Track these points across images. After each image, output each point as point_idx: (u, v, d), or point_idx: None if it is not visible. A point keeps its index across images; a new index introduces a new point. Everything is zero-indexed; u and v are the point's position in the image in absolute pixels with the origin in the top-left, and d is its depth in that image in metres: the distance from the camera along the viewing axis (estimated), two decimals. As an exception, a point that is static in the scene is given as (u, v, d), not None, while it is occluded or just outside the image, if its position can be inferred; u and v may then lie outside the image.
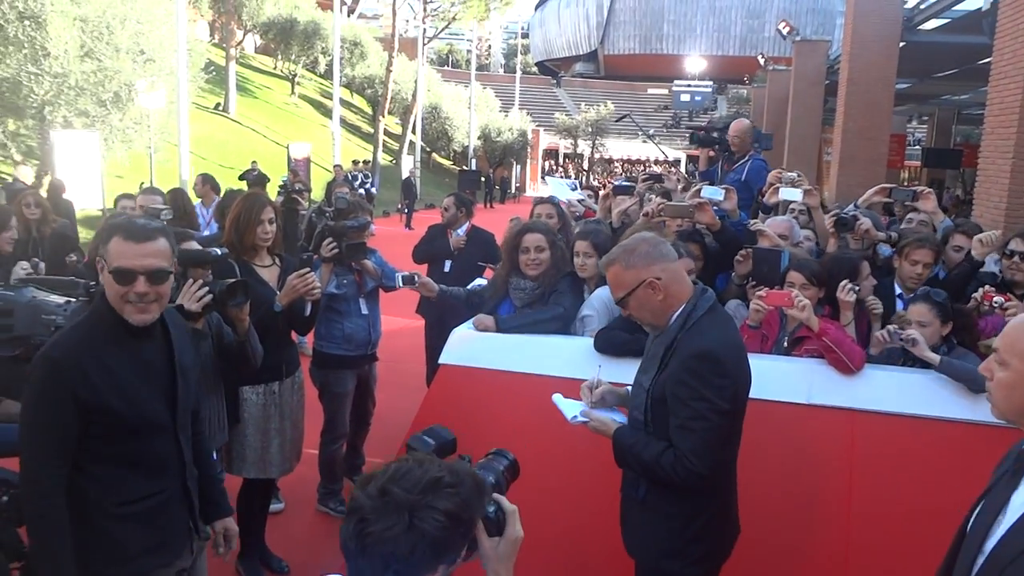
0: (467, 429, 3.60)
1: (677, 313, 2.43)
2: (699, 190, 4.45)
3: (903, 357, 3.37)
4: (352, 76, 34.40)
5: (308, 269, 3.65)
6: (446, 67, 64.00)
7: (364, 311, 4.54)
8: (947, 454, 3.20)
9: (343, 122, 29.01)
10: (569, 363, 3.59)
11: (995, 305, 3.44)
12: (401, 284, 4.13)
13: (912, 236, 3.96)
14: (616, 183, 5.72)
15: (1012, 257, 3.84)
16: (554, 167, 46.87)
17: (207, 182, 8.29)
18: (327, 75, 32.05)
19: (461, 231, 6.24)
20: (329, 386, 4.57)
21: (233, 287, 2.97)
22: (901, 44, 14.31)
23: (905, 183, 18.78)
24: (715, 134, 6.58)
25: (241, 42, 30.44)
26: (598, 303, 3.63)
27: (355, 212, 4.52)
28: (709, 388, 2.30)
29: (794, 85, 21.45)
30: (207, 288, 2.86)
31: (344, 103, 32.65)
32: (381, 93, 31.97)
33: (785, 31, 24.93)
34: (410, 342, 6.84)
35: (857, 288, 3.55)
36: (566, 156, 50.30)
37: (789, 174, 4.82)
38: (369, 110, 37.89)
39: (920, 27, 15.46)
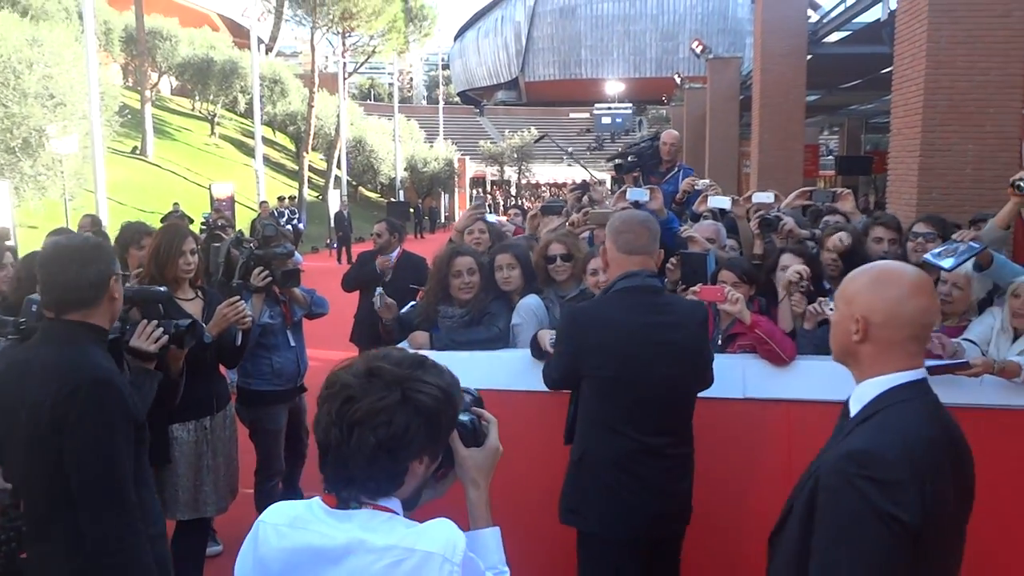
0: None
1: None
2: (624, 192, 4.51)
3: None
4: (273, 114, 34.02)
5: (239, 297, 3.55)
6: (369, 101, 63.99)
7: (292, 343, 4.43)
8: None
9: (266, 160, 28.61)
10: (509, 375, 3.57)
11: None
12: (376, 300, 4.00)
13: (830, 227, 4.09)
14: (544, 203, 5.78)
15: (916, 239, 4.02)
16: (482, 194, 47.06)
17: (95, 224, 8.01)
18: (247, 114, 31.61)
19: (393, 256, 6.19)
20: (261, 423, 4.42)
21: (192, 327, 2.89)
22: (808, 57, 14.86)
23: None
24: (631, 157, 6.66)
25: (156, 84, 29.84)
26: (525, 312, 3.63)
27: (278, 241, 4.42)
28: None
29: (710, 102, 22.07)
30: (162, 328, 2.75)
31: (266, 141, 32.25)
32: (304, 129, 31.71)
33: (698, 50, 25.63)
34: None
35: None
36: (493, 183, 50.63)
37: (703, 181, 5.01)
38: (292, 147, 37.50)
39: (824, 40, 16.12)
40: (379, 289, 4.00)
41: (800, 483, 1.72)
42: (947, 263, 3.31)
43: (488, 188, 50.67)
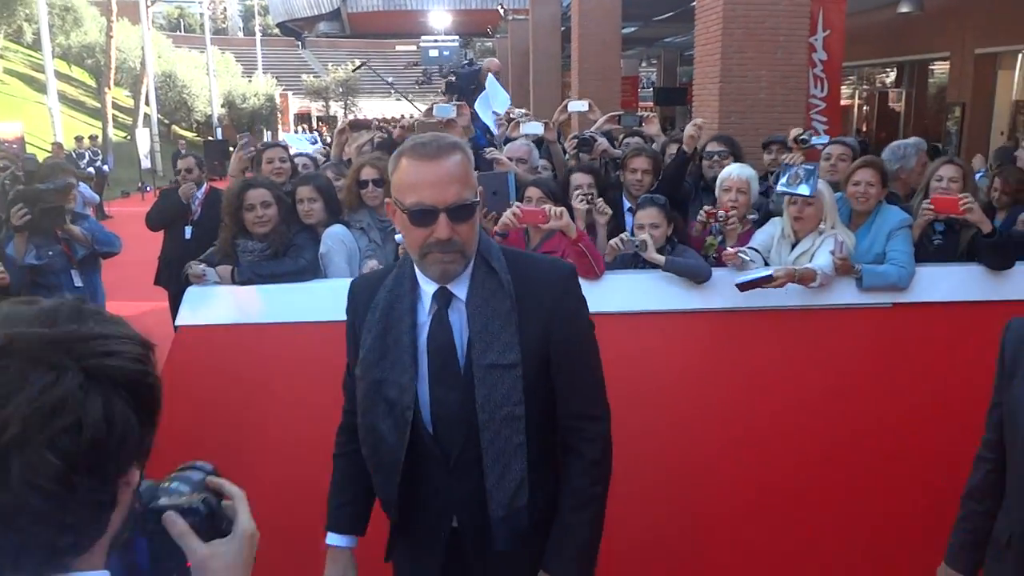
0: (218, 393, 3.42)
1: None
2: (430, 109, 4.51)
3: (633, 263, 3.62)
4: (67, 46, 30.95)
5: None
6: (178, 32, 59.40)
7: (78, 283, 4.11)
8: (681, 342, 3.51)
9: (62, 97, 26.05)
10: (324, 306, 3.49)
11: (719, 219, 3.75)
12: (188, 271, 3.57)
13: (631, 148, 4.26)
14: (352, 120, 5.65)
15: (712, 157, 4.34)
16: (307, 131, 45.33)
17: None
18: (36, 45, 28.54)
19: (199, 193, 5.86)
20: None
21: None
22: (624, -12, 15.16)
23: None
24: (452, 76, 6.68)
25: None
26: (332, 240, 3.56)
27: (53, 175, 4.06)
28: None
29: (533, 34, 22.14)
30: None
31: (61, 76, 29.33)
32: (104, 63, 29.06)
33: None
34: (155, 320, 6.34)
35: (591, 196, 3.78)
36: (319, 119, 48.84)
37: (519, 109, 5.12)
38: (92, 82, 34.36)
39: (639, -28, 16.48)
40: (192, 267, 3.60)
41: None
42: (803, 190, 3.50)
43: (314, 124, 48.84)
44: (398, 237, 3.52)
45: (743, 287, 3.39)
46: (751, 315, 3.53)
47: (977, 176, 5.09)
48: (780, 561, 3.45)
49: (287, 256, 3.58)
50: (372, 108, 48.04)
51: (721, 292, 3.52)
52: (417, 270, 1.84)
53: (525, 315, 1.80)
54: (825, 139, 4.33)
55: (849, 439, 3.51)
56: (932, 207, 3.59)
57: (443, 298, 1.83)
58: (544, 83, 21.35)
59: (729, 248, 3.54)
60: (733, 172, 3.89)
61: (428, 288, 1.84)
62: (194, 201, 5.75)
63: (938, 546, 2.26)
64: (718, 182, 3.92)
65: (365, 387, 1.88)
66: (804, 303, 3.53)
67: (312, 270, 3.59)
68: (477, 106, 4.58)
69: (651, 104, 30.44)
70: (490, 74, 5.47)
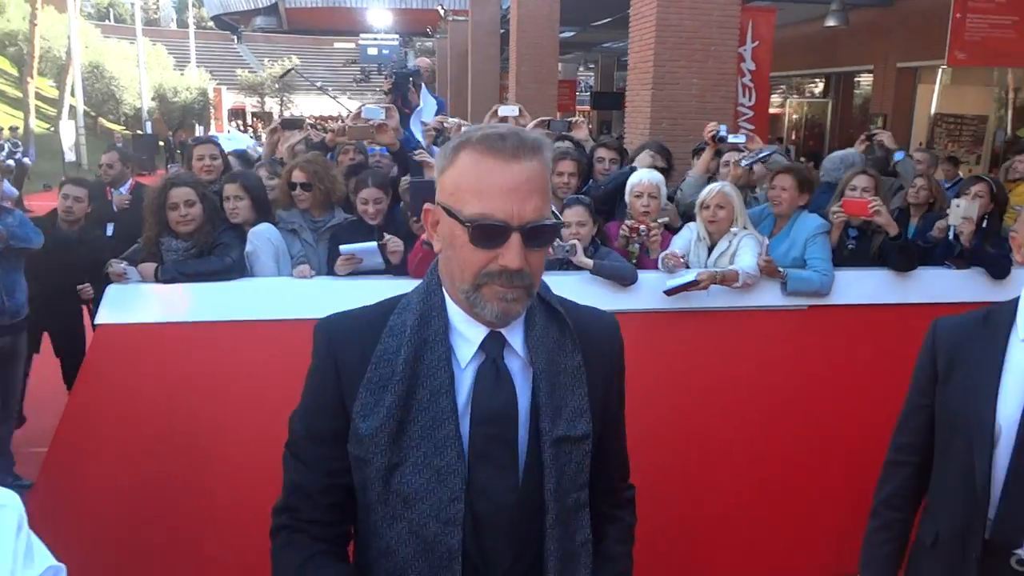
0: (138, 393, 3.35)
1: None
2: (359, 113, 4.50)
3: (559, 265, 3.68)
4: (-12, 32, 29.77)
5: None
6: (108, 22, 57.67)
7: None
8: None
9: (-19, 85, 25.07)
10: (249, 305, 3.46)
11: (642, 234, 3.83)
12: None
13: (559, 151, 4.34)
14: (284, 118, 5.60)
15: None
16: (242, 128, 44.49)
17: None
18: (-47, 31, 27.41)
19: (124, 189, 5.73)
20: None
21: None
22: (561, -7, 15.31)
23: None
24: (389, 76, 6.66)
25: None
26: (258, 239, 3.53)
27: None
28: None
29: (472, 35, 22.18)
30: None
31: (-20, 64, 28.20)
32: (27, 51, 28.03)
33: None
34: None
35: None
36: (254, 115, 47.95)
37: (453, 119, 5.19)
38: (15, 71, 33.09)
39: (577, -23, 16.65)
40: (112, 265, 3.47)
41: None
42: (688, 276, 3.57)
43: (249, 120, 47.92)
44: (351, 247, 3.48)
45: (670, 292, 3.50)
46: (675, 316, 3.64)
47: (898, 156, 5.34)
48: (681, 560, 3.56)
49: (213, 254, 3.53)
50: (309, 105, 47.40)
51: (646, 294, 3.61)
52: (453, 305, 1.37)
53: (591, 371, 1.43)
54: (742, 138, 4.47)
55: (767, 435, 3.65)
56: (843, 210, 3.80)
57: (495, 346, 1.36)
58: (482, 85, 21.40)
59: (664, 255, 3.64)
60: (644, 178, 3.97)
61: (470, 332, 1.36)
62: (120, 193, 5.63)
63: (842, 533, 2.36)
64: (628, 188, 4.00)
65: (373, 475, 1.35)
66: (726, 305, 3.65)
67: (238, 268, 3.55)
68: (414, 123, 4.59)
69: (588, 108, 30.81)
70: (423, 85, 5.47)
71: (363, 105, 4.63)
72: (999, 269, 3.84)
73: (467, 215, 1.25)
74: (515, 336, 1.38)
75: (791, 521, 3.63)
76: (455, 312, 1.36)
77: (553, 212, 1.00)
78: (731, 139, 4.38)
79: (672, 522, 3.47)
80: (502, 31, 21.78)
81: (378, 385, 1.34)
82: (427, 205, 1.37)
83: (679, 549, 3.52)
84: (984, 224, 4.02)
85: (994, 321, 1.80)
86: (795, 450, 3.66)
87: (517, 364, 1.37)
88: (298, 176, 3.88)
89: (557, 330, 1.40)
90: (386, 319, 1.39)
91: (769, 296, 3.72)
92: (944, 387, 1.84)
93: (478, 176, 1.25)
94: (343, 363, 1.38)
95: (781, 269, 3.67)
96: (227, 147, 5.88)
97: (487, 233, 1.24)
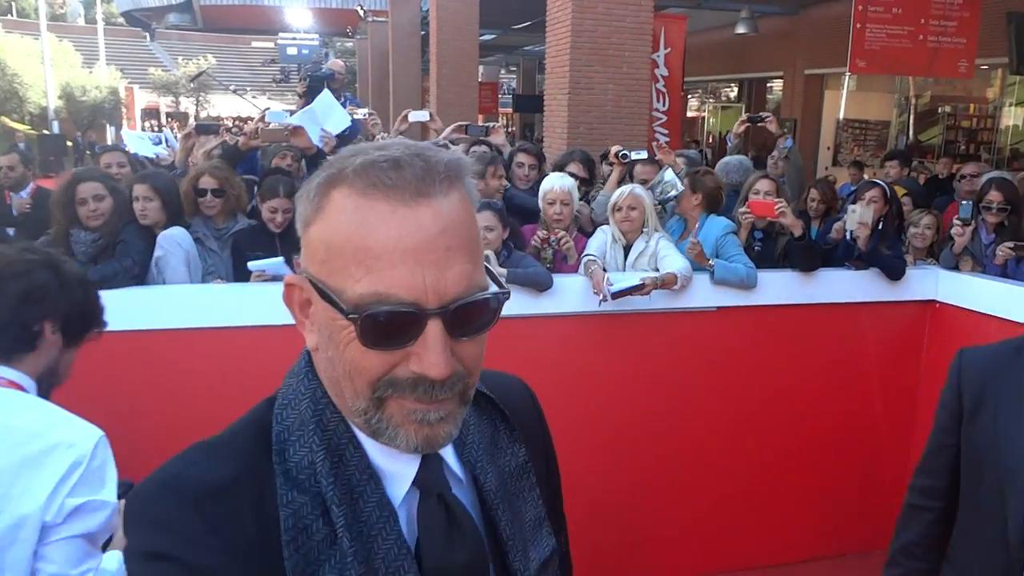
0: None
1: None
2: (262, 117, 4.47)
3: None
4: None
5: None
6: (9, 16, 55.09)
7: None
8: (524, 346, 3.63)
9: None
10: (154, 314, 3.37)
11: (552, 244, 3.89)
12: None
13: (476, 154, 4.38)
14: (199, 123, 5.48)
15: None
16: (155, 127, 43.12)
17: None
18: None
19: (24, 193, 5.51)
20: None
21: None
22: (481, -4, 15.37)
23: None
24: (304, 78, 6.63)
25: None
26: (168, 243, 3.45)
27: None
28: None
29: (392, 37, 22.04)
30: None
31: None
32: (-81, 46, 26.59)
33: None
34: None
35: None
36: (168, 115, 46.54)
37: (363, 110, 5.17)
38: (-94, 67, 31.38)
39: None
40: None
41: None
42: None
43: (164, 120, 46.49)
44: (259, 264, 3.43)
45: (616, 296, 3.54)
46: (598, 319, 3.71)
47: (788, 143, 5.34)
48: (627, 553, 3.65)
49: (116, 250, 3.46)
50: (226, 106, 46.25)
51: (567, 297, 3.66)
52: (354, 429, 0.90)
53: (534, 462, 1.06)
54: (643, 153, 4.62)
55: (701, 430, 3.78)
56: (750, 211, 3.95)
57: (435, 477, 0.93)
58: (403, 87, 21.30)
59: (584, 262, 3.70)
60: (555, 184, 3.97)
61: (388, 464, 0.90)
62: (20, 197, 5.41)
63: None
64: (540, 194, 4.03)
65: None
66: (631, 309, 3.74)
67: (140, 264, 3.44)
68: (301, 119, 4.41)
69: (510, 111, 30.97)
70: (325, 88, 5.35)
71: (266, 110, 4.58)
72: (894, 270, 4.05)
73: (351, 299, 0.79)
74: (446, 449, 0.94)
75: (728, 513, 3.76)
76: (362, 439, 0.90)
77: (488, 271, 0.88)
78: (633, 155, 4.54)
79: (624, 529, 3.55)
80: (422, 33, 21.73)
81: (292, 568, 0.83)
82: (289, 278, 0.89)
83: (632, 554, 3.60)
84: (879, 227, 4.23)
85: None
86: (737, 436, 3.80)
87: (464, 492, 0.96)
88: (208, 182, 3.80)
89: (487, 421, 1.01)
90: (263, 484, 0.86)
91: (673, 299, 3.79)
92: (971, 426, 1.65)
93: (363, 232, 0.79)
94: (235, 554, 0.83)
95: (710, 259, 3.78)
96: (138, 148, 5.71)
97: (388, 326, 0.79)
